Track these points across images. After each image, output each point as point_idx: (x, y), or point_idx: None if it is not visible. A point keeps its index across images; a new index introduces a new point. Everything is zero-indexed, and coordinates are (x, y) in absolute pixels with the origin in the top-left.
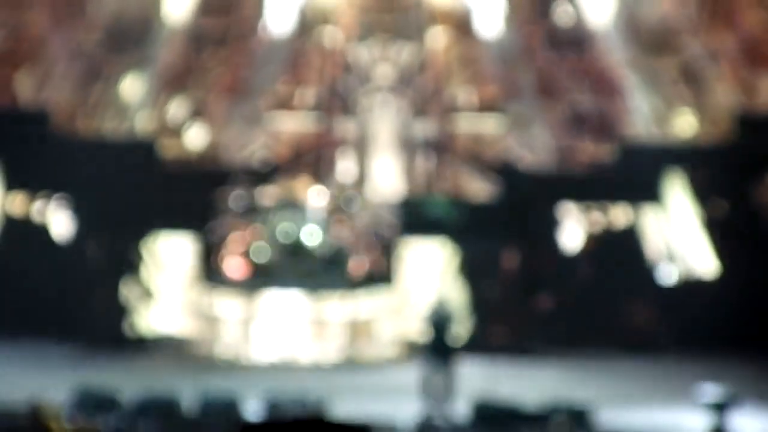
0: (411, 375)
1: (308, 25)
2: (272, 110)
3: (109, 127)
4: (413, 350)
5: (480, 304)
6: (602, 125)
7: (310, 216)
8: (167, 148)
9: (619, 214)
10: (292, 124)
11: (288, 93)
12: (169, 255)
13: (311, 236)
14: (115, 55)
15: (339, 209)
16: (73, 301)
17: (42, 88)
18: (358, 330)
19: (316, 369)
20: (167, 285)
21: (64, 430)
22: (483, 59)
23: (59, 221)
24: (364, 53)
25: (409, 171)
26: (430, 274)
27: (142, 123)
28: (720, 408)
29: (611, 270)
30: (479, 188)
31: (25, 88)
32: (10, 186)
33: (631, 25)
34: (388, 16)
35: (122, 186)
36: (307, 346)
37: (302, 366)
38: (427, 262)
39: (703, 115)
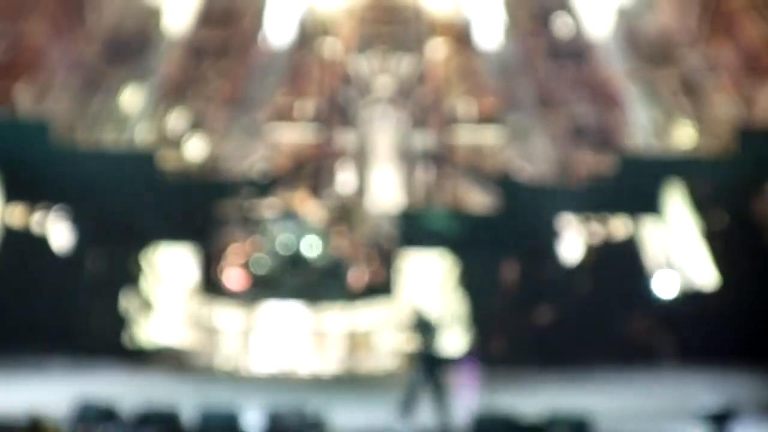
0: None
1: (308, 36)
2: (272, 122)
3: (109, 138)
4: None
5: (479, 315)
6: (602, 137)
7: (310, 227)
8: (167, 160)
9: (619, 226)
10: (292, 136)
11: (288, 104)
12: (168, 266)
13: (311, 248)
14: (115, 67)
15: (338, 221)
16: (73, 312)
17: (42, 99)
18: (357, 341)
19: (316, 380)
20: (167, 296)
21: None
22: (483, 71)
23: (59, 232)
24: (363, 65)
25: (409, 182)
26: (430, 286)
27: (142, 134)
28: (720, 420)
29: (611, 281)
30: (479, 200)
31: (24, 99)
32: (10, 197)
33: (631, 36)
34: (387, 28)
35: (122, 197)
36: (307, 357)
37: (302, 377)
38: (427, 274)
39: (703, 127)
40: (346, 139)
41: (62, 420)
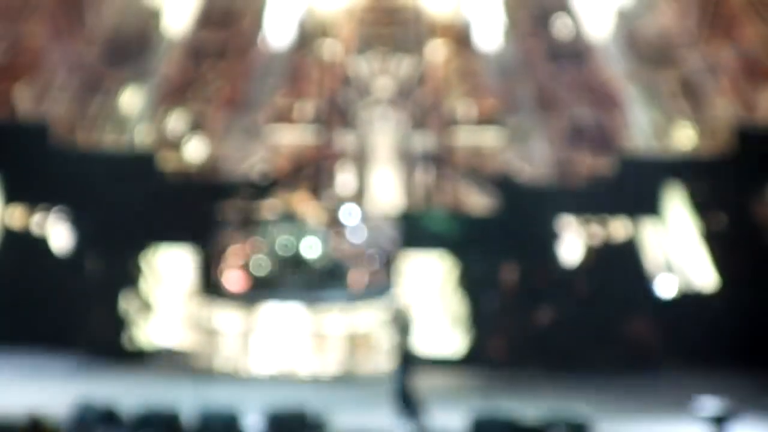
0: None
1: (307, 38)
2: (272, 123)
3: (109, 139)
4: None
5: (479, 317)
6: (601, 138)
7: (310, 229)
8: (167, 161)
9: (619, 227)
10: (292, 137)
11: (287, 106)
12: (168, 268)
13: (310, 249)
14: (115, 68)
15: (338, 222)
16: (73, 313)
17: (41, 100)
18: (357, 343)
19: (316, 381)
20: (167, 298)
21: None
22: (482, 72)
23: (59, 234)
24: (363, 66)
25: (409, 184)
26: (430, 288)
27: (142, 135)
28: (719, 421)
29: (610, 283)
30: (478, 201)
31: (24, 100)
32: (10, 198)
33: (631, 38)
34: (387, 29)
35: (122, 198)
36: (307, 358)
37: (302, 378)
38: (427, 275)
39: (702, 129)
40: (345, 140)
41: (62, 421)
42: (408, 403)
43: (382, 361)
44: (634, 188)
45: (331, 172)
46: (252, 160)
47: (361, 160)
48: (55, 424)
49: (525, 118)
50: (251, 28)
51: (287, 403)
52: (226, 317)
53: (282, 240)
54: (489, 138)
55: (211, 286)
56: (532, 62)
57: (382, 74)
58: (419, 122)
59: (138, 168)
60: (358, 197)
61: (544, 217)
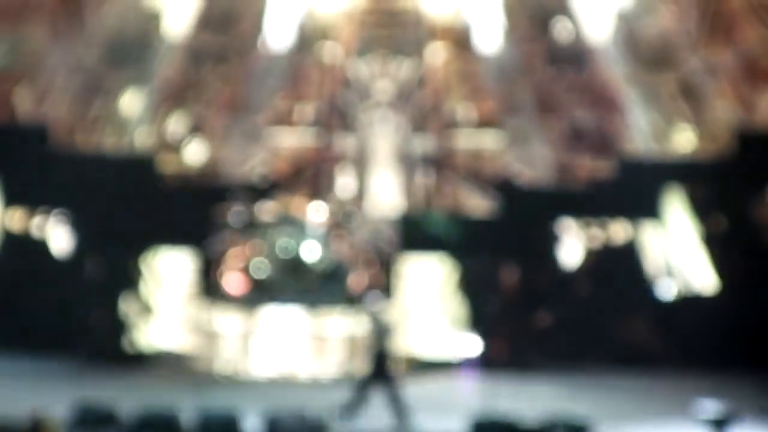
0: (410, 390)
1: (307, 40)
2: (271, 126)
3: (109, 142)
4: (412, 366)
5: (479, 319)
6: (601, 141)
7: (310, 232)
8: (166, 164)
9: (618, 230)
10: (292, 140)
11: (287, 108)
12: (168, 270)
13: (310, 252)
14: (115, 71)
15: (338, 225)
16: (73, 316)
17: (41, 102)
18: (357, 345)
19: (316, 384)
20: (166, 300)
21: None
22: (482, 75)
23: (58, 236)
24: (363, 69)
25: (409, 186)
26: (429, 290)
27: (142, 138)
28: (719, 424)
29: (610, 285)
30: (478, 204)
31: (24, 102)
32: (10, 201)
33: (630, 40)
34: (387, 32)
35: (121, 201)
36: (307, 361)
37: (302, 381)
38: (427, 278)
39: (702, 131)
40: (345, 143)
41: (62, 424)
42: (395, 407)
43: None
44: (633, 191)
45: (331, 174)
46: (252, 163)
47: (361, 163)
48: (57, 426)
49: (525, 120)
50: (251, 31)
51: (287, 406)
52: (225, 320)
53: (282, 243)
54: (489, 141)
55: (210, 289)
56: (531, 65)
57: (382, 77)
58: (419, 125)
59: (138, 171)
60: (358, 200)
61: (543, 219)
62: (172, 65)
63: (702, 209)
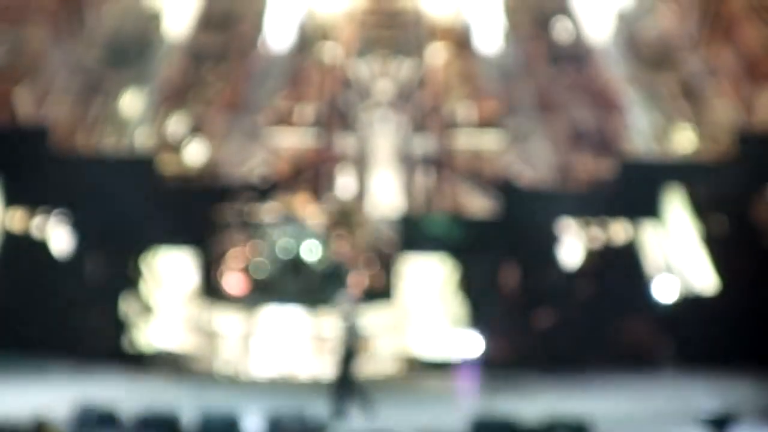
0: (410, 391)
1: (308, 40)
2: (272, 126)
3: (109, 142)
4: (413, 366)
5: (479, 319)
6: (602, 141)
7: (310, 232)
8: (167, 164)
9: (619, 230)
10: (292, 140)
11: (287, 109)
12: (168, 271)
13: (311, 252)
14: (115, 71)
15: (338, 225)
16: (73, 316)
17: (41, 103)
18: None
19: (316, 385)
20: (167, 301)
21: None
22: (482, 75)
23: (59, 237)
24: (363, 69)
25: (409, 187)
26: (430, 291)
27: (142, 139)
28: (720, 425)
29: (611, 286)
30: (479, 204)
31: (24, 103)
32: (10, 202)
33: (631, 41)
34: (387, 32)
35: (122, 202)
36: (307, 361)
37: (302, 382)
38: (427, 279)
39: (703, 131)
40: (346, 143)
41: (63, 424)
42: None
43: (382, 364)
44: (634, 191)
45: (331, 174)
46: (252, 163)
47: (361, 163)
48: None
49: (525, 121)
50: (251, 31)
51: (287, 406)
52: (226, 320)
53: (282, 243)
54: (489, 141)
55: (211, 289)
56: (532, 65)
57: (382, 77)
58: (419, 125)
59: (138, 171)
60: (359, 200)
61: (544, 219)
62: (172, 65)
63: (702, 209)
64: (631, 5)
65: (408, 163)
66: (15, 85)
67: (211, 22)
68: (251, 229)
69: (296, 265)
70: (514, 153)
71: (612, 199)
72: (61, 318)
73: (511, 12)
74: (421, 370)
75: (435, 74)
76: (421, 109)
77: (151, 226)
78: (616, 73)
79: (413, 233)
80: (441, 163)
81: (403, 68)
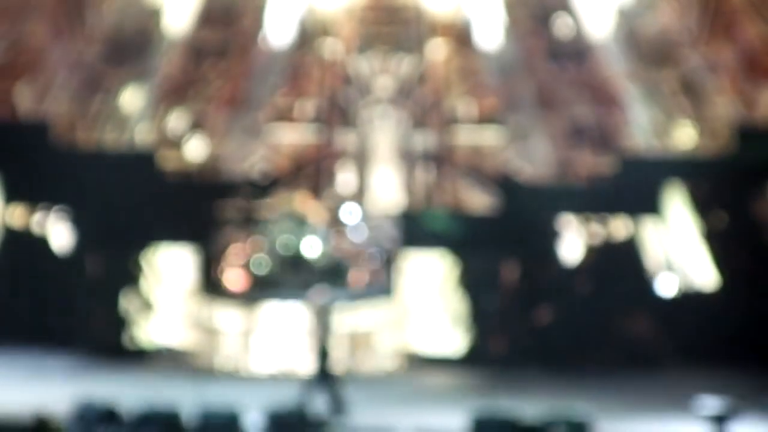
0: (410, 387)
1: (308, 37)
2: (272, 122)
3: (109, 138)
4: (413, 362)
5: (479, 316)
6: (602, 137)
7: (310, 228)
8: (167, 160)
9: (619, 226)
10: (292, 136)
11: (288, 105)
12: (168, 267)
13: (311, 248)
14: (115, 67)
15: (339, 221)
16: (74, 312)
17: (42, 99)
18: (357, 342)
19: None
20: (167, 297)
21: None
22: (483, 71)
23: (59, 233)
24: (364, 65)
25: (409, 183)
26: (430, 287)
27: (142, 135)
28: (720, 420)
29: (611, 282)
30: (479, 200)
31: (24, 99)
32: (10, 198)
33: (631, 37)
34: (388, 28)
35: (122, 198)
36: (307, 358)
37: (302, 378)
38: (427, 275)
39: (703, 127)
40: (346, 139)
41: (63, 420)
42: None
43: (383, 360)
44: (634, 187)
45: (331, 171)
46: (252, 159)
47: (361, 159)
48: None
49: (525, 117)
50: (252, 27)
51: (287, 402)
52: (226, 316)
53: (282, 239)
54: (489, 137)
55: (211, 285)
56: (532, 61)
57: (382, 73)
58: (420, 121)
59: (138, 167)
60: (359, 196)
61: (544, 216)
62: (172, 61)
63: (702, 206)
64: (631, 1)
65: (408, 159)
66: (15, 81)
67: (211, 18)
68: (252, 225)
69: (297, 261)
70: (514, 149)
71: (612, 195)
72: (61, 314)
73: (511, 8)
74: (422, 367)
75: (435, 70)
76: (422, 105)
77: (152, 223)
78: (616, 69)
79: (413, 229)
80: (441, 159)
81: (404, 64)
